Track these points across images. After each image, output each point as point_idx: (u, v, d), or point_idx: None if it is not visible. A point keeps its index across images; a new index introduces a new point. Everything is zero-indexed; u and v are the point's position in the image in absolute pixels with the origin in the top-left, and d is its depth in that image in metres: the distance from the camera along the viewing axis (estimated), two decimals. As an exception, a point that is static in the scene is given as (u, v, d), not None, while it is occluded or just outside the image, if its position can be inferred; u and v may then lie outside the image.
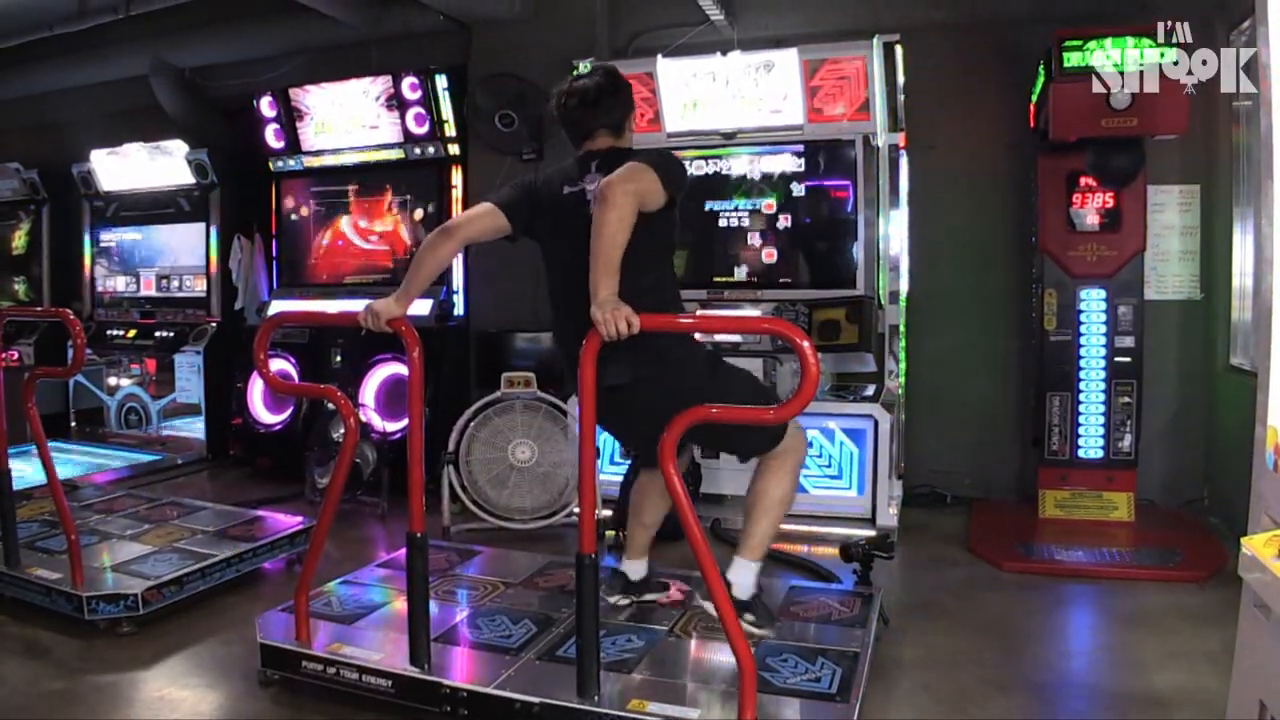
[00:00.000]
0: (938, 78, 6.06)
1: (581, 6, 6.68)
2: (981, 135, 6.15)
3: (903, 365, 5.85)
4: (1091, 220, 5.41)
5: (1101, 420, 5.44)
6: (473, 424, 5.47)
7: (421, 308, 6.36)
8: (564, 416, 5.38)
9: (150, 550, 4.55)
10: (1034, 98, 5.59)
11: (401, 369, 6.35)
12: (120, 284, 8.25)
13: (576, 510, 4.83)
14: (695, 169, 5.92)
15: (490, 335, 6.62)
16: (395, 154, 6.91)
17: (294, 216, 7.44)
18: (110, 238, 8.29)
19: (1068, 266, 5.43)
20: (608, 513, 5.27)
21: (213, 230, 7.64)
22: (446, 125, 6.68)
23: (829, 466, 5.48)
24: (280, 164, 7.36)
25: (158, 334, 7.83)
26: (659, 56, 5.79)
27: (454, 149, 6.75)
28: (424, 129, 6.71)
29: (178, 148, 7.59)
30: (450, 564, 4.45)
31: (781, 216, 5.83)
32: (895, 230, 5.68)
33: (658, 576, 3.94)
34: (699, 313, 5.76)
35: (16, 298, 8.87)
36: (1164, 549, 4.94)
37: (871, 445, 5.39)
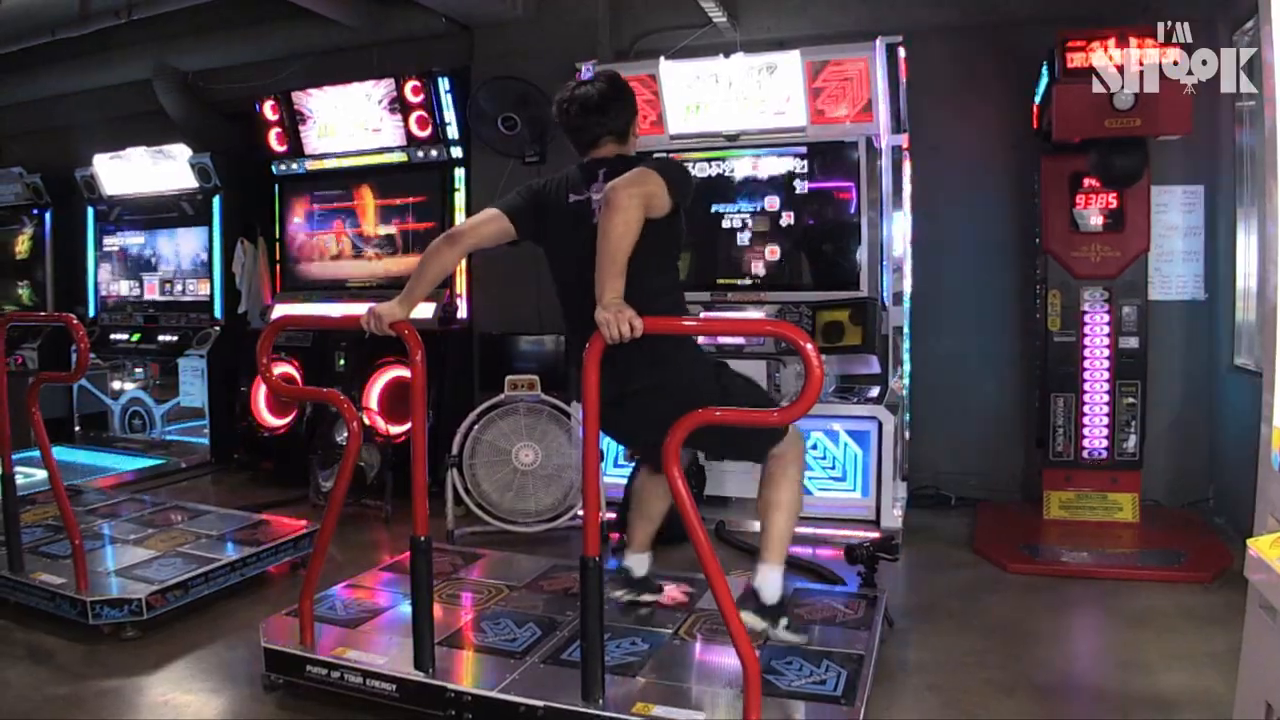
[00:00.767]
0: (941, 79, 6.06)
1: (584, 9, 6.68)
2: (985, 136, 6.15)
3: (907, 367, 5.85)
4: (1095, 221, 5.40)
5: (1106, 421, 5.44)
6: (476, 427, 5.46)
7: (425, 311, 6.34)
8: (568, 419, 5.38)
9: (154, 555, 4.55)
10: (1037, 99, 5.58)
11: (405, 372, 6.34)
12: (124, 288, 8.27)
13: (580, 513, 4.85)
14: (698, 171, 5.91)
15: (493, 338, 6.62)
16: (398, 157, 6.91)
17: (297, 220, 7.44)
18: (113, 242, 8.31)
19: (1071, 267, 5.42)
20: (612, 515, 5.27)
21: (216, 234, 7.66)
22: (449, 128, 6.68)
23: (833, 468, 5.48)
24: (283, 167, 7.36)
25: (161, 338, 7.85)
26: (662, 59, 5.79)
27: (456, 152, 6.75)
28: (426, 132, 6.71)
29: (181, 152, 7.61)
30: (454, 567, 4.45)
31: (785, 218, 5.82)
32: (899, 231, 5.67)
33: (656, 579, 3.91)
34: (702, 315, 5.77)
35: (20, 302, 8.89)
36: (1169, 550, 4.93)
37: (876, 447, 5.38)
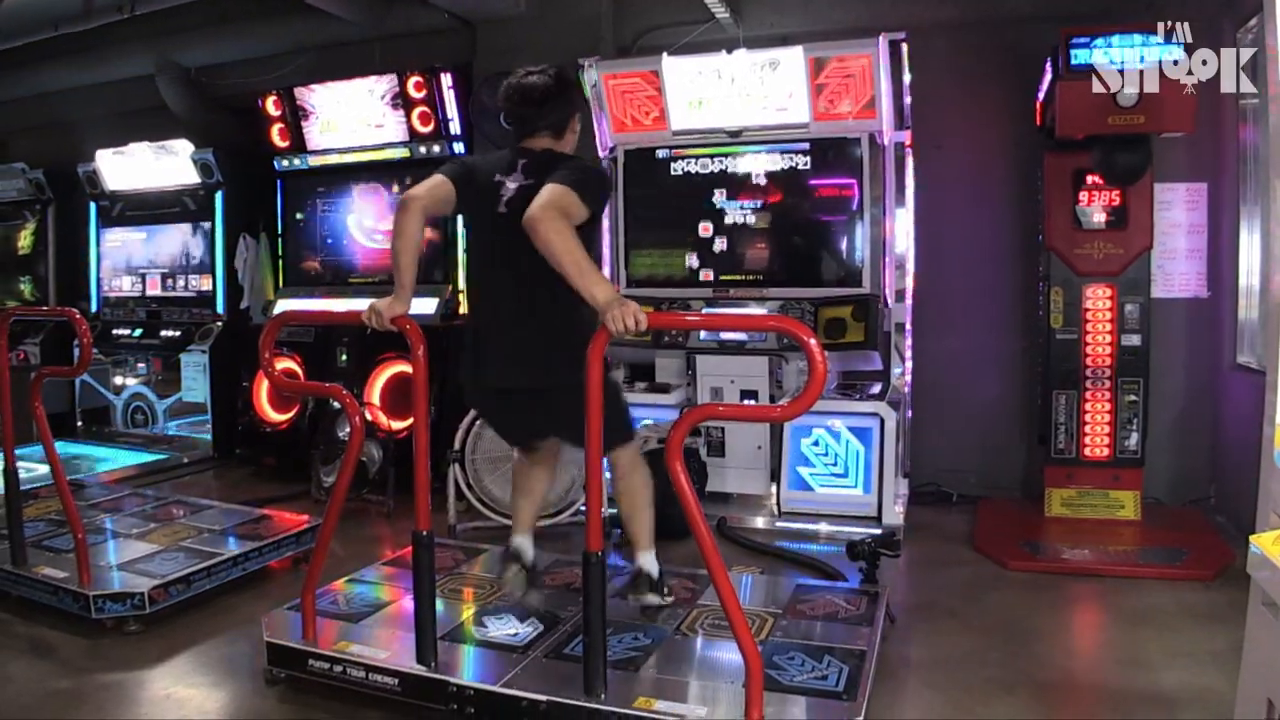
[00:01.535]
0: (944, 76, 6.06)
1: (587, 5, 6.68)
2: (988, 133, 6.14)
3: (909, 363, 5.85)
4: (1098, 218, 5.40)
5: (1108, 418, 5.43)
6: (478, 422, 5.46)
7: (426, 306, 6.37)
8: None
9: (156, 549, 4.56)
10: (1040, 95, 5.58)
11: (407, 367, 6.35)
12: (126, 283, 8.26)
13: (582, 508, 4.85)
14: (701, 167, 5.92)
15: (495, 334, 6.60)
16: (400, 153, 6.91)
17: (299, 215, 7.44)
18: (116, 237, 8.31)
19: (1074, 264, 5.42)
20: (614, 510, 5.27)
21: (218, 229, 7.66)
22: (451, 124, 6.68)
23: (835, 465, 5.48)
24: (286, 163, 7.36)
25: (163, 333, 7.86)
26: (664, 54, 5.79)
27: (459, 147, 6.74)
28: (429, 128, 6.70)
29: (183, 147, 7.61)
30: (456, 562, 4.45)
31: (787, 214, 5.82)
32: (901, 228, 5.68)
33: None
34: (705, 311, 5.78)
35: (22, 297, 8.88)
36: (1170, 548, 4.93)
37: (878, 444, 5.39)
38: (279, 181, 7.47)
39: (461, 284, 6.75)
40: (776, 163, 5.79)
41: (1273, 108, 2.73)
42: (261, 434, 7.11)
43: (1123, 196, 5.35)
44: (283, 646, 3.45)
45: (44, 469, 4.85)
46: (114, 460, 7.29)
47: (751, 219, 5.88)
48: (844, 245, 5.71)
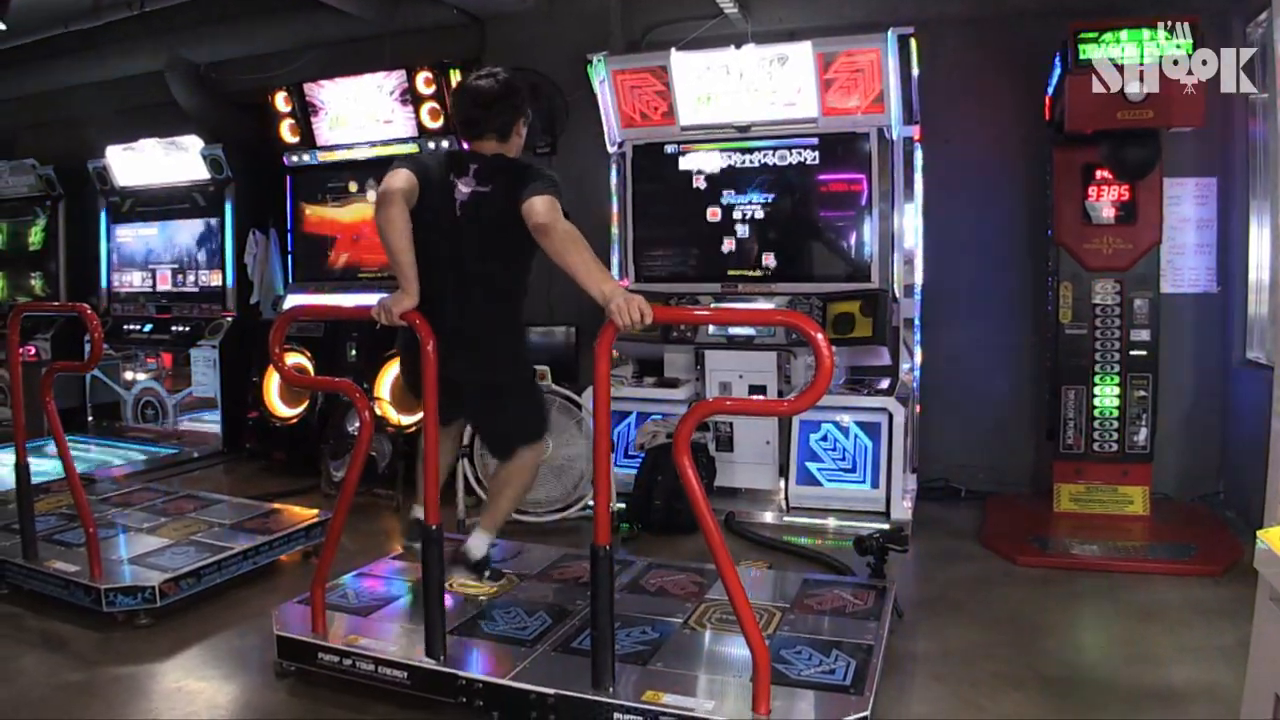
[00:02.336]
0: (953, 70, 6.04)
1: (595, 0, 6.67)
2: (997, 128, 6.13)
3: (917, 358, 5.85)
4: (1107, 213, 5.39)
5: (1116, 414, 5.42)
6: (487, 418, 5.48)
7: (436, 302, 6.37)
8: (578, 410, 5.39)
9: (167, 543, 4.58)
10: (1049, 90, 5.56)
11: (416, 363, 6.36)
12: (136, 279, 8.29)
13: (591, 503, 4.86)
14: (709, 162, 5.92)
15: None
16: (409, 148, 6.90)
17: (309, 211, 7.46)
18: (126, 233, 8.34)
19: (1083, 259, 5.41)
20: (622, 505, 5.29)
21: (228, 225, 7.68)
22: (460, 119, 6.67)
23: (843, 460, 5.48)
24: (295, 158, 7.37)
25: (174, 329, 7.88)
26: (673, 50, 5.79)
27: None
28: (438, 123, 6.70)
29: (193, 143, 7.63)
30: (465, 557, 4.46)
31: (796, 210, 5.82)
32: (910, 223, 5.67)
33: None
34: (713, 306, 5.79)
35: (33, 293, 8.91)
36: (1179, 543, 4.92)
37: (886, 439, 5.39)
38: (288, 177, 7.50)
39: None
40: (785, 158, 5.79)
41: (1281, 103, 2.72)
42: (271, 429, 7.12)
43: (1132, 191, 5.34)
44: (293, 640, 3.47)
45: (55, 463, 4.86)
46: (124, 455, 7.32)
47: (760, 214, 5.88)
48: (852, 240, 5.71)
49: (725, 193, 5.92)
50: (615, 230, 6.18)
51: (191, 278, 7.99)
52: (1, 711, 3.33)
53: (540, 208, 3.31)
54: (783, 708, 2.86)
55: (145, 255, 8.24)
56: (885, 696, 3.19)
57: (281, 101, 7.19)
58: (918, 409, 5.90)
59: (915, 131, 5.65)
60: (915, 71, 5.53)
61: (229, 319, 7.63)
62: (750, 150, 5.87)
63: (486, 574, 3.91)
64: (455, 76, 6.57)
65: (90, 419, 8.25)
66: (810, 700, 2.98)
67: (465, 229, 3.54)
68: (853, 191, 5.69)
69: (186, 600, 4.13)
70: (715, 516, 2.79)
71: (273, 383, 7.14)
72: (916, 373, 5.85)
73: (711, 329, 5.73)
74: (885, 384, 5.65)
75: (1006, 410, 6.23)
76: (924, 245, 5.81)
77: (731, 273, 5.93)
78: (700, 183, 5.97)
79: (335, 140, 7.15)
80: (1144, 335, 5.39)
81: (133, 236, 8.30)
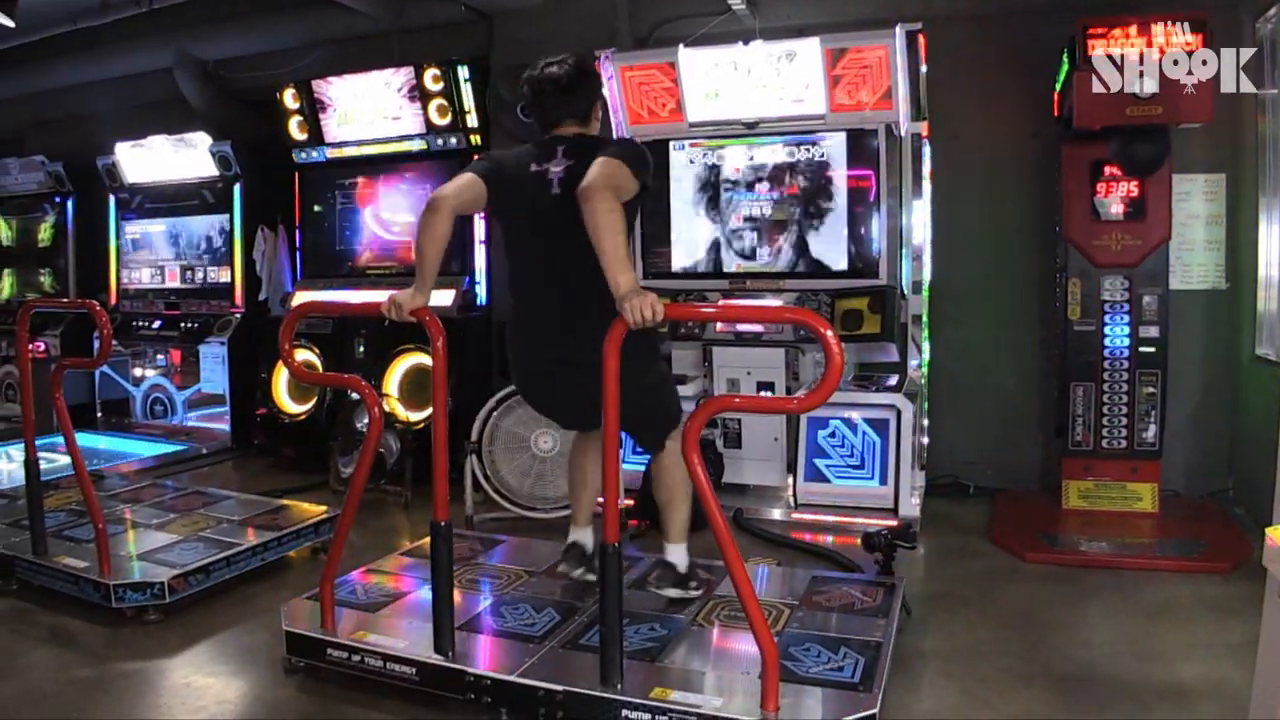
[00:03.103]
0: (961, 66, 6.03)
1: (603, -4, 6.68)
2: (1005, 124, 6.11)
3: (925, 355, 5.83)
4: (1116, 209, 5.37)
5: (1125, 411, 5.41)
6: (495, 413, 5.49)
7: (444, 298, 6.39)
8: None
9: (176, 539, 4.60)
10: (1058, 86, 5.55)
11: (425, 359, 6.38)
12: (145, 275, 8.32)
13: (599, 500, 4.86)
14: (717, 159, 5.92)
15: (512, 326, 6.61)
16: (417, 145, 6.93)
17: (317, 207, 7.48)
18: (135, 230, 8.36)
19: (1092, 255, 5.39)
20: (630, 502, 5.29)
21: (236, 221, 7.70)
22: (469, 116, 6.69)
23: (851, 457, 5.48)
24: (303, 155, 7.39)
25: (182, 325, 7.90)
26: (681, 46, 5.78)
27: (476, 140, 6.76)
28: (446, 120, 6.72)
29: (201, 140, 7.65)
30: (473, 553, 4.48)
31: (804, 206, 5.81)
32: (918, 220, 5.65)
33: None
34: (721, 302, 5.78)
35: (42, 289, 8.95)
36: (1188, 540, 4.91)
37: (894, 435, 5.38)
38: (297, 174, 7.52)
39: (479, 276, 6.78)
40: (793, 154, 5.78)
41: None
42: (280, 425, 7.14)
43: (1141, 187, 5.32)
44: (301, 636, 3.48)
45: (64, 459, 4.88)
46: (133, 452, 7.34)
47: (768, 210, 5.87)
48: (861, 237, 5.69)
49: (733, 189, 5.91)
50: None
51: (200, 274, 8.01)
52: (11, 706, 3.35)
53: (594, 171, 3.13)
54: (791, 705, 2.86)
55: (154, 252, 8.26)
56: (894, 693, 3.19)
57: (290, 98, 7.21)
58: (926, 405, 5.89)
59: (923, 128, 5.63)
60: (923, 68, 5.51)
61: (237, 315, 7.65)
62: (758, 146, 5.86)
63: (693, 584, 3.78)
64: (463, 73, 6.58)
65: (99, 415, 8.27)
66: (819, 697, 2.98)
67: (565, 207, 3.28)
68: (861, 188, 5.68)
69: (195, 596, 4.14)
70: (724, 513, 2.79)
71: (281, 379, 7.16)
72: (924, 369, 5.84)
73: (720, 325, 5.73)
74: (893, 380, 5.65)
75: (1015, 407, 6.22)
76: (932, 241, 5.80)
77: (739, 269, 5.93)
78: (708, 179, 5.96)
79: (343, 137, 7.16)
80: (1153, 331, 5.37)
81: (142, 233, 8.32)
